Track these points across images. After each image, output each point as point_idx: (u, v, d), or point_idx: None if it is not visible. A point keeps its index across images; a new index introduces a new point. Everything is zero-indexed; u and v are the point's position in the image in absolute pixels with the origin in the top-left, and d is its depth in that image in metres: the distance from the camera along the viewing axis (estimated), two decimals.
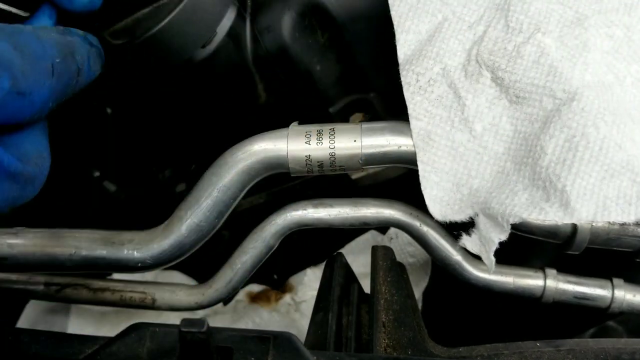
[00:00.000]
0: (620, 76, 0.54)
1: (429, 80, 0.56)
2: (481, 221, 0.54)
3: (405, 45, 0.59)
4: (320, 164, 0.56)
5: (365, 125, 0.56)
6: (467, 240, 0.56)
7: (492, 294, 0.62)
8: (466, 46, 0.57)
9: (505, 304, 0.64)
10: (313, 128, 0.56)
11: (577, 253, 0.57)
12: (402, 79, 0.57)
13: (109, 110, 0.77)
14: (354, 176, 0.81)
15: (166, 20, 0.58)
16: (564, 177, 0.49)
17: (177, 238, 0.56)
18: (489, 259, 0.53)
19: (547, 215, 0.49)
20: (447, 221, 0.56)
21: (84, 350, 0.45)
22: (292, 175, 0.57)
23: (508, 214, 0.50)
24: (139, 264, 0.57)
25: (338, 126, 0.56)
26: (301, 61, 0.66)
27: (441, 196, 0.56)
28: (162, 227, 0.57)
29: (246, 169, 0.55)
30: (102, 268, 0.58)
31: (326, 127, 0.56)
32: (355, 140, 0.55)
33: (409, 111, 0.57)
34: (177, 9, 0.58)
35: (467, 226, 0.56)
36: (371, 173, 0.81)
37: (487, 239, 0.53)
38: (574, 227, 0.55)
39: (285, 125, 0.70)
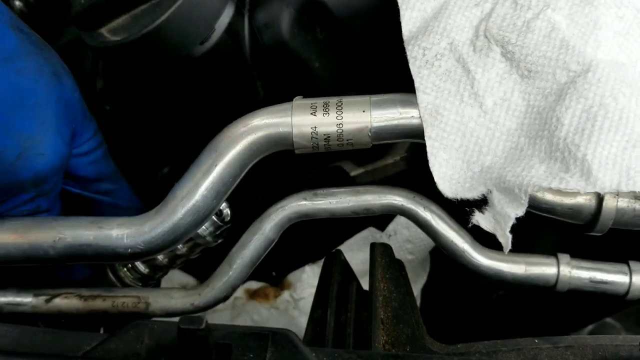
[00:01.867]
0: (633, 58, 0.52)
1: (435, 55, 0.54)
2: (495, 197, 0.51)
3: (410, 22, 0.57)
4: (327, 138, 0.53)
5: (374, 98, 0.54)
6: (480, 218, 0.53)
7: (495, 286, 0.60)
8: (473, 23, 0.55)
9: (504, 300, 0.64)
10: (319, 100, 0.54)
11: (599, 235, 0.55)
12: (408, 53, 0.55)
13: (107, 107, 0.77)
14: (352, 173, 0.81)
15: (164, 17, 0.58)
16: (584, 146, 0.47)
17: (171, 221, 0.52)
18: (505, 235, 0.50)
19: (568, 184, 0.47)
20: (458, 199, 0.53)
21: (82, 347, 0.45)
22: (296, 152, 0.54)
23: (526, 184, 0.48)
24: (129, 250, 0.52)
25: (346, 98, 0.54)
26: (300, 58, 0.66)
27: (451, 174, 0.54)
28: (156, 209, 0.54)
29: (248, 145, 0.52)
30: (89, 257, 0.53)
31: (333, 100, 0.54)
32: (364, 111, 0.52)
33: (416, 85, 0.54)
34: (175, 6, 0.58)
35: (479, 204, 0.53)
36: (369, 170, 0.80)
37: (502, 214, 0.50)
38: (599, 205, 0.53)
39: None
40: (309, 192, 0.60)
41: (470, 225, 0.53)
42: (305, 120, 0.52)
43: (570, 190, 0.47)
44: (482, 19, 0.55)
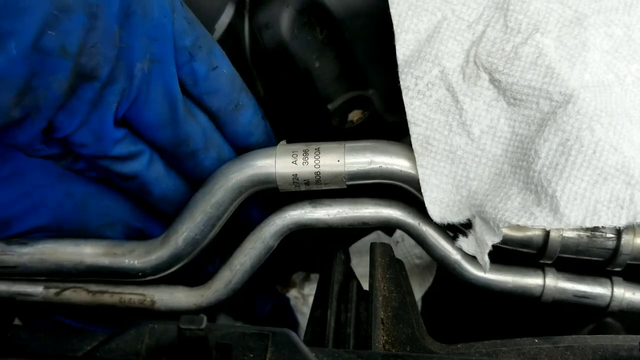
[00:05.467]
0: (620, 75, 0.53)
1: (427, 84, 0.57)
2: (477, 223, 0.54)
3: (404, 46, 0.59)
4: (307, 182, 0.58)
5: (348, 145, 0.58)
6: (463, 242, 0.58)
7: (491, 293, 0.62)
8: (465, 46, 0.57)
9: (504, 301, 0.64)
10: (299, 147, 0.59)
11: (550, 262, 0.59)
12: (401, 82, 0.58)
13: None
14: None
15: None
16: (554, 182, 0.49)
17: (174, 250, 0.60)
18: (484, 260, 0.55)
19: (536, 220, 0.50)
20: (445, 223, 0.57)
21: (82, 346, 0.45)
22: (280, 190, 0.60)
23: (499, 219, 0.51)
24: (140, 273, 0.61)
25: (323, 145, 0.59)
26: (300, 58, 0.66)
27: (441, 198, 0.57)
28: (161, 239, 0.61)
29: (237, 187, 0.59)
30: (106, 276, 0.62)
31: (312, 147, 0.59)
32: (339, 160, 0.57)
33: (408, 117, 0.58)
34: None
35: (464, 227, 0.57)
36: None
37: (481, 241, 0.54)
38: (546, 238, 0.57)
39: (284, 122, 0.70)
40: (307, 203, 0.62)
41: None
42: (287, 167, 0.58)
43: (537, 227, 0.51)
44: (474, 42, 0.57)
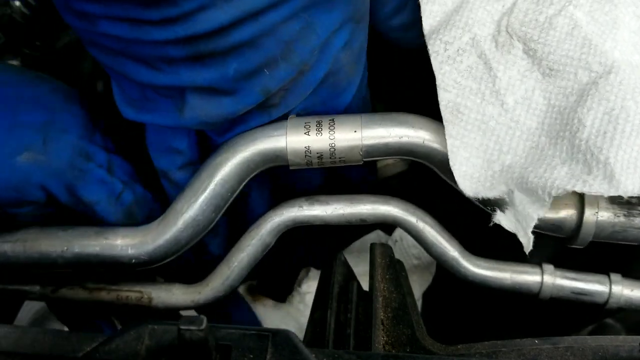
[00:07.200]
0: None
1: (457, 50, 0.55)
2: (517, 197, 0.52)
3: (430, 17, 0.57)
4: (320, 156, 0.55)
5: (365, 116, 0.55)
6: (501, 217, 0.54)
7: (490, 292, 0.62)
8: (495, 17, 0.55)
9: (504, 301, 0.64)
10: (312, 119, 0.55)
11: (581, 247, 0.57)
12: (429, 47, 0.55)
13: (107, 108, 0.76)
14: None
15: None
16: (606, 148, 0.48)
17: (173, 233, 0.55)
18: (527, 235, 0.51)
19: (591, 187, 0.48)
20: (480, 198, 0.54)
21: (82, 347, 0.45)
22: (290, 168, 0.56)
23: (550, 187, 0.49)
24: (133, 260, 0.55)
25: (338, 117, 0.56)
26: None
27: (471, 173, 0.54)
28: (158, 221, 0.57)
29: (245, 161, 0.55)
30: (95, 265, 0.57)
31: (326, 118, 0.56)
32: (355, 131, 0.54)
33: (437, 82, 0.55)
34: None
35: (500, 203, 0.54)
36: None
37: (523, 215, 0.51)
38: (580, 220, 0.54)
39: None
40: (304, 200, 0.61)
41: (491, 224, 0.54)
42: (299, 140, 0.54)
43: (594, 193, 0.48)
44: (504, 13, 0.55)
